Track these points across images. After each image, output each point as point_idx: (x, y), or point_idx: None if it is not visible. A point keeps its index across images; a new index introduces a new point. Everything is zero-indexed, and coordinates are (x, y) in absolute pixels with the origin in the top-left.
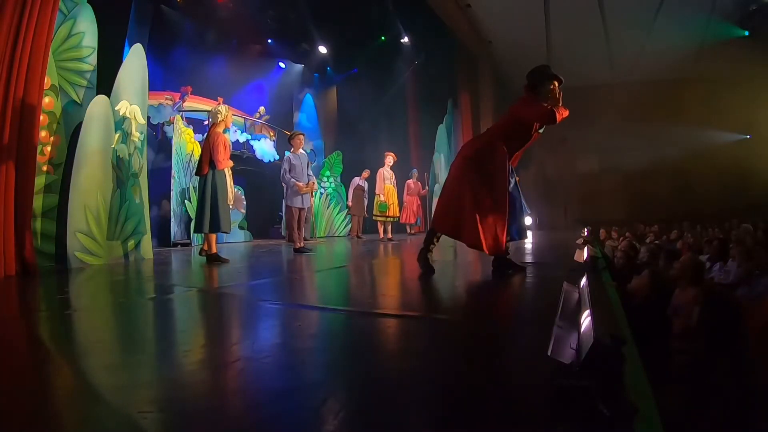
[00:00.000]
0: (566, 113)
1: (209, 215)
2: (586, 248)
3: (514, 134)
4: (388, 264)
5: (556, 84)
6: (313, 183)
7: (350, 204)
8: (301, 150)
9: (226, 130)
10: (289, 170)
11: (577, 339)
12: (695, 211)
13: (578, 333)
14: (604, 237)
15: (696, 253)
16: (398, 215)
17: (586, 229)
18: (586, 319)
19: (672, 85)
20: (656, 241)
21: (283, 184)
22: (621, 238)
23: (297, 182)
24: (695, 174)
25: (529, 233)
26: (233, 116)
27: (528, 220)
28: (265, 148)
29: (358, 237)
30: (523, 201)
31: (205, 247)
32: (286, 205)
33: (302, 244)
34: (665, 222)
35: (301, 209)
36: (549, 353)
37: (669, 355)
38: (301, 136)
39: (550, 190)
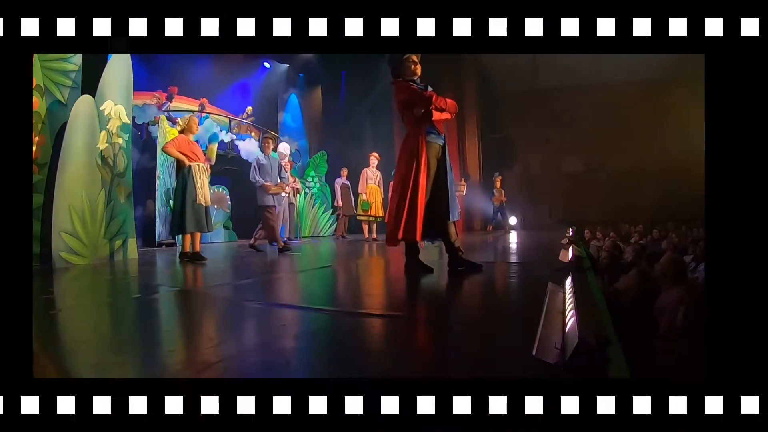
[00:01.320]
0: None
1: (178, 217)
2: (570, 248)
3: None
4: (373, 264)
5: (414, 57)
6: (285, 184)
7: (340, 204)
8: (281, 151)
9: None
10: (259, 170)
11: (562, 339)
12: (681, 212)
13: (563, 333)
14: (588, 237)
15: (679, 253)
16: (382, 215)
17: (570, 229)
18: (570, 319)
19: (659, 85)
20: (641, 241)
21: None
22: (605, 238)
23: (264, 182)
24: (681, 174)
25: (514, 233)
26: (221, 117)
27: (513, 220)
28: (249, 148)
29: (344, 237)
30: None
31: (186, 249)
32: (258, 206)
33: (283, 244)
34: (650, 222)
35: (274, 207)
36: (534, 353)
37: (654, 356)
38: (269, 140)
39: (535, 190)
